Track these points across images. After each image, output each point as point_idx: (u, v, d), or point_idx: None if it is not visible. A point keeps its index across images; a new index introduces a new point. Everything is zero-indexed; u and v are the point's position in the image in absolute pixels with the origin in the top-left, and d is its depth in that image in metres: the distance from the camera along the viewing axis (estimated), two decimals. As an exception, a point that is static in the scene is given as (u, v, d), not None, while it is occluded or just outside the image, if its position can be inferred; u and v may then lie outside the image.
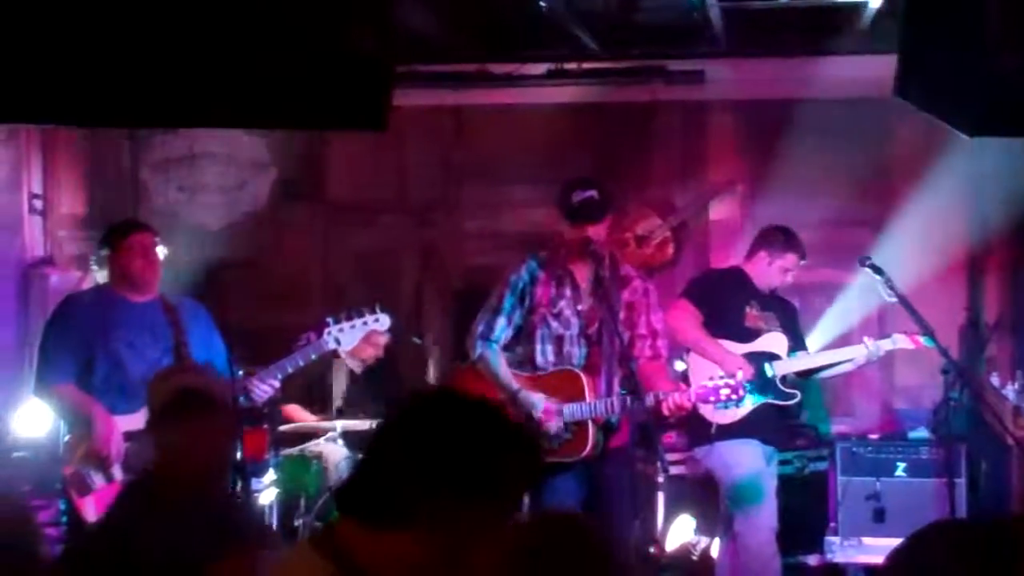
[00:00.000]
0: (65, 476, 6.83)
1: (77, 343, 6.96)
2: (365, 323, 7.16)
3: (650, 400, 6.78)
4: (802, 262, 8.03)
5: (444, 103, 11.17)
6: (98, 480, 6.82)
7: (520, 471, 2.83)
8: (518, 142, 11.07)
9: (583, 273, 7.02)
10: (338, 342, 7.13)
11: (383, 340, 9.09)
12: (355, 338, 7.21)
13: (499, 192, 11.11)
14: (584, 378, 6.90)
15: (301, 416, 9.13)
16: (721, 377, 6.97)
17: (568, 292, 7.01)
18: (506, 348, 7.12)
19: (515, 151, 11.06)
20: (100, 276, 7.42)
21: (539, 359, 7.03)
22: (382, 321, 7.23)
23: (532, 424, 6.78)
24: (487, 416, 2.84)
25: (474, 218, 11.31)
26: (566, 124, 11.02)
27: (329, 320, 7.10)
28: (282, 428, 8.70)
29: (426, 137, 11.24)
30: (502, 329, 7.05)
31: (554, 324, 7.00)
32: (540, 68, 10.93)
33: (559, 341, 7.01)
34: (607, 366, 6.89)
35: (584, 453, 6.86)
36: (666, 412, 6.87)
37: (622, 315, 6.92)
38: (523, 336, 7.09)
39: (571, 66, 10.87)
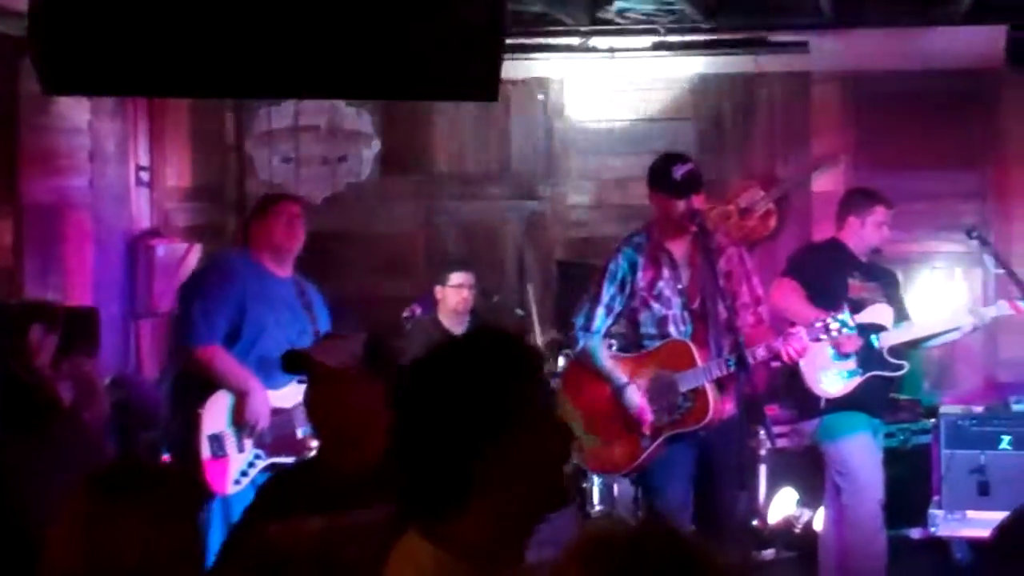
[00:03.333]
0: (205, 436, 6.88)
1: (231, 306, 7.03)
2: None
3: (765, 352, 6.80)
4: (890, 211, 7.97)
5: (548, 75, 11.18)
6: (233, 449, 6.93)
7: (533, 396, 2.72)
8: (621, 114, 11.09)
9: (680, 249, 7.00)
10: None
11: (471, 300, 9.51)
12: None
13: (602, 164, 11.12)
14: (693, 346, 6.90)
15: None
16: (828, 316, 6.96)
17: (667, 272, 6.99)
18: (609, 335, 7.16)
19: (618, 123, 11.07)
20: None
21: (645, 342, 7.05)
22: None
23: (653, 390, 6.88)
24: (459, 367, 2.73)
25: (577, 190, 11.31)
26: (669, 96, 11.02)
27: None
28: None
29: (530, 109, 11.27)
30: (602, 320, 7.05)
31: (656, 306, 6.99)
32: (643, 40, 10.90)
33: (663, 322, 7.00)
34: (714, 335, 6.89)
35: (707, 419, 6.86)
36: (786, 358, 6.90)
37: (722, 284, 6.86)
38: (626, 322, 7.11)
39: (674, 38, 10.83)
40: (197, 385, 6.95)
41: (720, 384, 6.89)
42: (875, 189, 8.08)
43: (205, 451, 6.87)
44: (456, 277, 9.52)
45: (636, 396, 6.90)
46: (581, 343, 7.06)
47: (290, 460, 6.79)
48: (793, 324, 7.63)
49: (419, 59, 5.03)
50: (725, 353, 6.83)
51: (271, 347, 6.94)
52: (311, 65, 5.22)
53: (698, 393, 6.87)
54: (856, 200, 8.07)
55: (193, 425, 6.89)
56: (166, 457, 7.46)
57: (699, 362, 6.86)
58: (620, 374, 6.97)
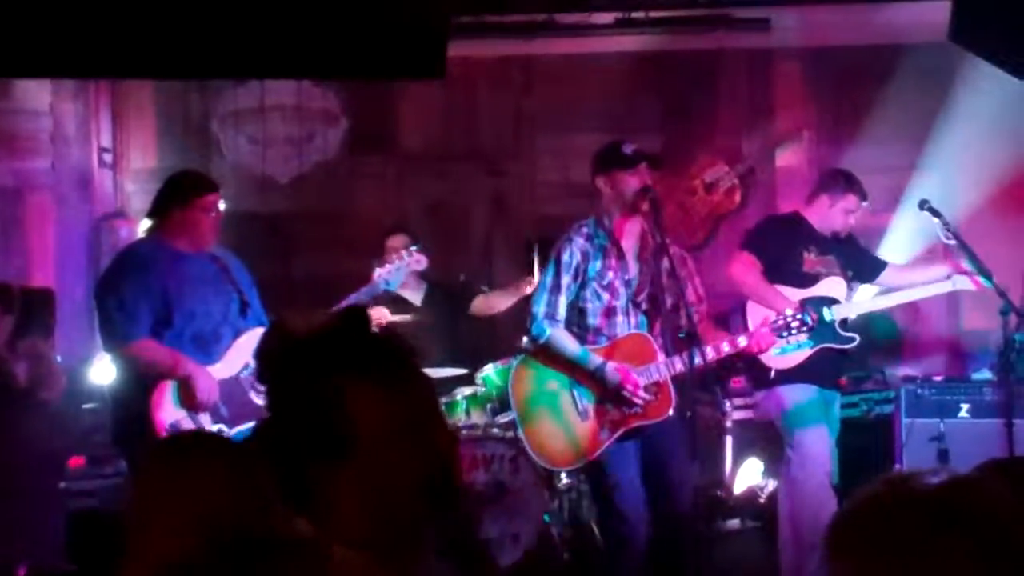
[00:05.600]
0: (163, 429, 6.80)
1: (153, 296, 6.91)
2: (407, 264, 7.45)
3: (727, 347, 6.88)
4: (864, 204, 8.06)
5: (514, 53, 11.24)
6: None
7: (378, 414, 2.53)
8: (587, 91, 11.15)
9: (629, 242, 7.02)
10: (388, 284, 7.38)
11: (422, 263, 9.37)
12: (400, 277, 7.57)
13: (569, 141, 11.15)
14: (653, 340, 6.95)
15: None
16: (789, 312, 7.05)
17: (615, 263, 6.99)
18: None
19: (584, 100, 11.13)
20: (143, 225, 7.51)
21: (590, 334, 7.03)
22: (420, 260, 7.52)
23: (622, 398, 6.86)
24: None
25: (544, 168, 11.38)
26: (634, 73, 11.08)
27: (374, 264, 7.38)
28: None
29: (496, 87, 11.33)
30: (564, 307, 7.00)
31: (605, 296, 6.99)
32: (608, 17, 10.94)
33: (609, 312, 7.01)
34: (663, 329, 6.96)
35: (669, 412, 6.90)
36: (748, 351, 7.03)
37: (665, 281, 6.89)
38: (575, 311, 7.06)
39: (638, 15, 10.86)
40: (141, 379, 6.92)
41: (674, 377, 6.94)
42: (854, 176, 8.12)
43: None
44: (392, 241, 9.46)
45: (618, 373, 6.87)
46: (548, 332, 6.99)
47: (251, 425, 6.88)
48: (747, 300, 7.75)
49: (368, 39, 5.11)
50: (669, 347, 6.93)
51: (203, 324, 7.01)
52: (268, 46, 5.30)
53: (660, 386, 6.92)
54: (833, 181, 8.11)
55: (146, 420, 6.82)
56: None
57: (659, 355, 6.92)
58: (595, 356, 6.94)
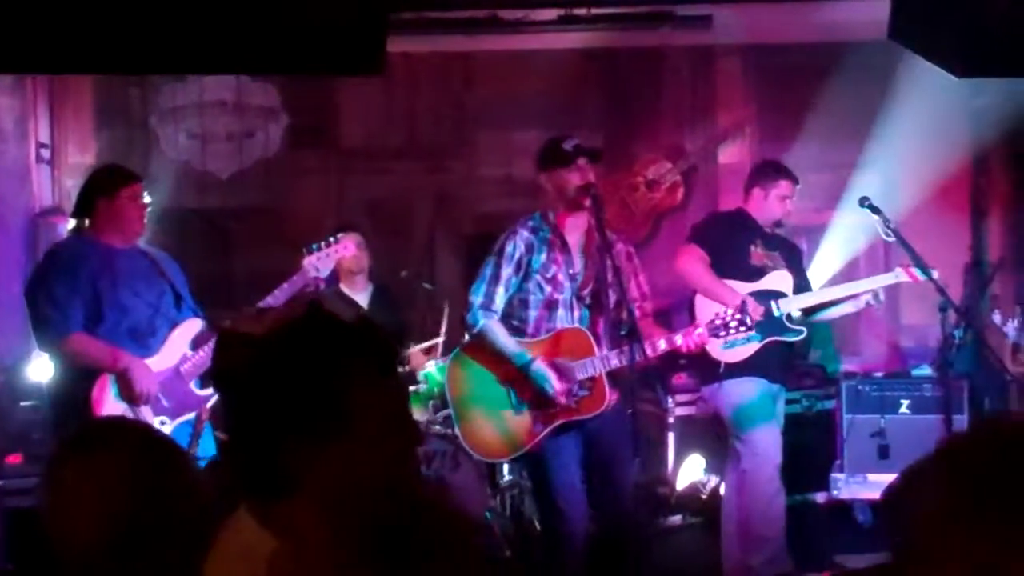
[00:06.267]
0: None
1: (84, 292, 6.87)
2: (336, 249, 7.43)
3: (663, 344, 6.87)
4: (796, 186, 8.09)
5: (455, 49, 11.22)
6: None
7: (372, 397, 2.53)
8: (529, 88, 11.14)
9: (575, 236, 7.00)
10: (317, 270, 7.36)
11: (364, 260, 9.31)
12: (330, 263, 7.46)
13: (511, 138, 11.17)
14: (590, 335, 6.93)
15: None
16: (727, 311, 7.05)
17: (560, 257, 6.97)
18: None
19: (526, 97, 11.13)
20: (70, 224, 7.44)
21: (530, 327, 6.99)
22: (345, 243, 7.48)
23: (546, 397, 6.85)
24: (325, 348, 2.54)
25: (486, 164, 11.37)
26: (576, 69, 11.09)
27: (304, 252, 7.35)
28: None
29: (438, 83, 11.32)
30: (502, 298, 6.96)
31: (548, 289, 6.94)
32: (550, 13, 10.92)
33: (552, 305, 6.98)
34: (605, 325, 6.94)
35: (603, 407, 6.87)
36: (684, 349, 6.93)
37: (610, 278, 6.85)
38: (515, 302, 7.03)
39: (581, 11, 10.85)
40: (79, 375, 6.87)
41: (611, 373, 6.92)
42: (782, 163, 8.18)
43: None
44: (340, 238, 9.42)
45: (546, 369, 6.84)
46: (482, 322, 6.94)
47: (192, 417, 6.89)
48: (695, 292, 7.75)
49: (307, 35, 5.09)
50: (610, 342, 6.91)
51: (137, 318, 6.98)
52: (207, 41, 5.26)
53: (595, 382, 6.89)
54: (762, 172, 8.16)
55: (87, 415, 6.77)
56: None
57: (596, 351, 6.90)
58: (525, 351, 6.91)
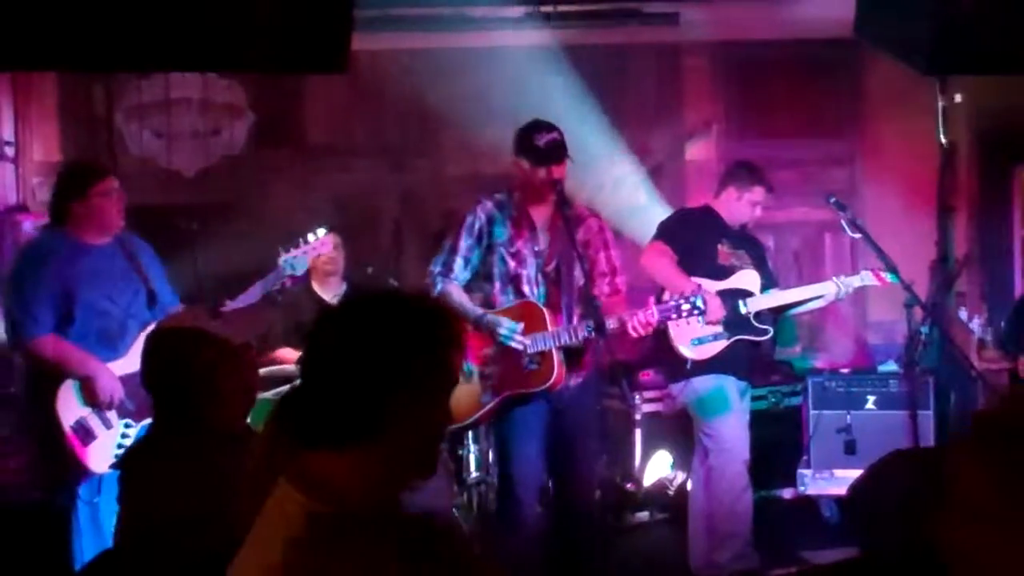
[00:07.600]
0: (67, 427, 6.80)
1: (55, 293, 6.86)
2: (313, 247, 7.41)
3: (614, 323, 6.84)
4: (769, 194, 8.10)
5: (421, 46, 11.19)
6: (100, 429, 6.90)
7: (434, 357, 2.83)
8: (495, 85, 11.12)
9: (541, 215, 7.03)
10: (293, 268, 7.34)
11: (339, 260, 9.27)
12: (306, 262, 7.53)
13: (476, 135, 11.14)
14: (546, 311, 6.94)
15: (292, 359, 9.15)
16: (678, 296, 7.02)
17: (526, 233, 7.01)
18: (465, 290, 7.15)
19: (492, 94, 11.11)
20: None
21: (498, 299, 7.04)
22: (323, 241, 7.52)
23: (500, 349, 6.88)
24: (395, 312, 2.85)
25: (452, 161, 11.37)
26: (543, 67, 11.07)
27: (280, 250, 7.32)
28: (266, 371, 8.68)
29: (403, 80, 11.27)
30: (460, 268, 7.03)
31: (512, 263, 7.00)
32: (517, 11, 10.93)
33: (516, 280, 7.02)
34: (567, 302, 6.96)
35: (551, 382, 6.85)
36: (632, 332, 6.87)
37: (579, 252, 6.89)
38: (481, 276, 7.10)
39: (547, 8, 10.87)
40: (47, 377, 6.86)
41: (572, 351, 6.94)
42: (761, 169, 8.16)
43: (73, 439, 6.83)
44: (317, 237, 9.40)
45: (497, 317, 6.90)
46: (440, 286, 7.02)
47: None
48: (663, 289, 7.74)
49: (271, 33, 5.07)
50: (575, 320, 6.91)
51: (108, 320, 6.97)
52: (172, 38, 5.23)
53: (544, 356, 6.88)
54: (740, 174, 8.14)
55: (51, 417, 6.80)
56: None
57: (550, 326, 6.89)
58: (478, 307, 6.99)
